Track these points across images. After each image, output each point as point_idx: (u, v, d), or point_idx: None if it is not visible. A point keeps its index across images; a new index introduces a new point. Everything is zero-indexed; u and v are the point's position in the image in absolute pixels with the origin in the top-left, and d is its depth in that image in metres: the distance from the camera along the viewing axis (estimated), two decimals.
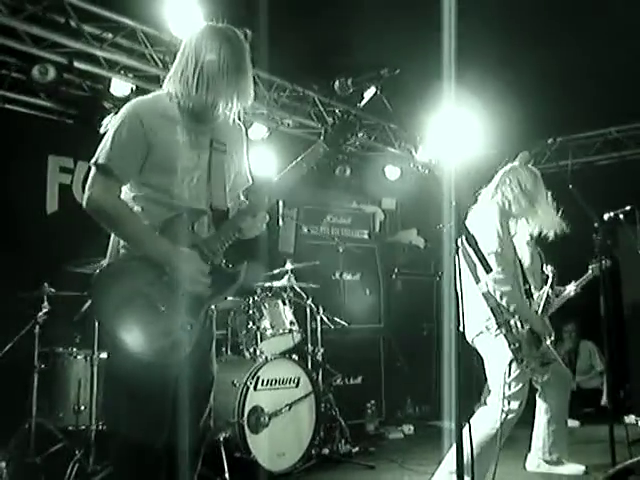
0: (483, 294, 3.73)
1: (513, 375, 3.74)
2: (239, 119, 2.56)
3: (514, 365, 3.72)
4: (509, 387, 3.73)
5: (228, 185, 2.61)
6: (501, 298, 3.72)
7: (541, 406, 4.36)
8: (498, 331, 3.72)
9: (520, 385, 3.76)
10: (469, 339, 3.95)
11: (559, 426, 4.35)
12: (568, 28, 5.44)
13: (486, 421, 3.77)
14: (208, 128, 2.54)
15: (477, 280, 3.76)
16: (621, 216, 4.61)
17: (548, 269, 4.26)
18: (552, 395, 4.27)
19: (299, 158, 2.59)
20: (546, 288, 4.24)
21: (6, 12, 4.76)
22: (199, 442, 2.59)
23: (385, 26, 5.47)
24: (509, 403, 3.73)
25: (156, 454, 2.36)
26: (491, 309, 3.71)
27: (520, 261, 4.06)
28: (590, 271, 6.20)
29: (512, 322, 3.74)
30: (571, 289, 6.20)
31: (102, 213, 2.38)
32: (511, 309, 3.73)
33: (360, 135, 2.62)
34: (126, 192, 2.46)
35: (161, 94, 2.55)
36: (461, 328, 3.99)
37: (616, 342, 4.14)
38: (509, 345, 3.69)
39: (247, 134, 2.75)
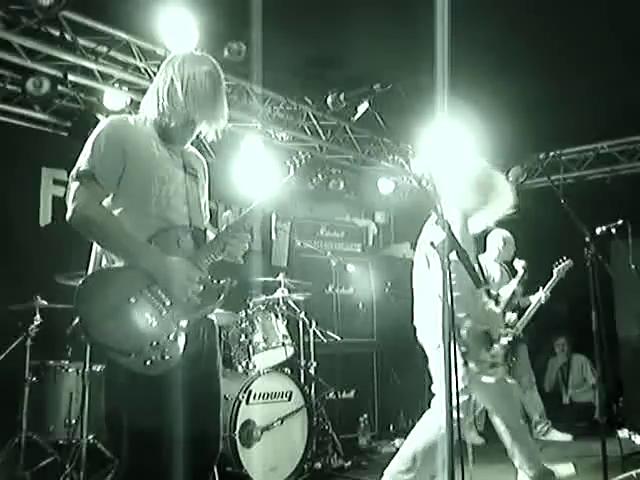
0: (438, 295, 3.56)
1: (460, 386, 3.57)
2: (217, 135, 2.61)
3: (461, 372, 3.64)
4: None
5: (202, 207, 2.67)
6: (456, 302, 3.64)
7: (496, 424, 4.12)
8: None
9: (466, 396, 3.76)
10: (427, 352, 3.95)
11: (522, 438, 4.07)
12: (561, 43, 5.48)
13: (430, 426, 3.80)
14: (179, 151, 2.61)
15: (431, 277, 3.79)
16: (613, 230, 4.64)
17: (519, 263, 4.25)
18: (500, 409, 4.02)
19: (274, 188, 2.67)
20: (514, 281, 4.22)
21: (1, 25, 4.77)
22: (210, 460, 2.57)
23: (378, 40, 5.51)
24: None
25: (160, 470, 2.34)
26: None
27: (478, 258, 4.05)
28: (555, 274, 6.27)
29: (463, 327, 3.68)
30: (540, 295, 6.28)
31: (89, 224, 2.37)
32: (461, 314, 3.67)
33: (321, 177, 2.75)
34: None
35: (136, 117, 2.61)
36: (420, 339, 3.98)
37: (609, 356, 4.13)
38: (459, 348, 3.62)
39: (208, 170, 2.81)
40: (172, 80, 2.51)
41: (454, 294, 3.61)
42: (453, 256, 4.03)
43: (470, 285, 3.72)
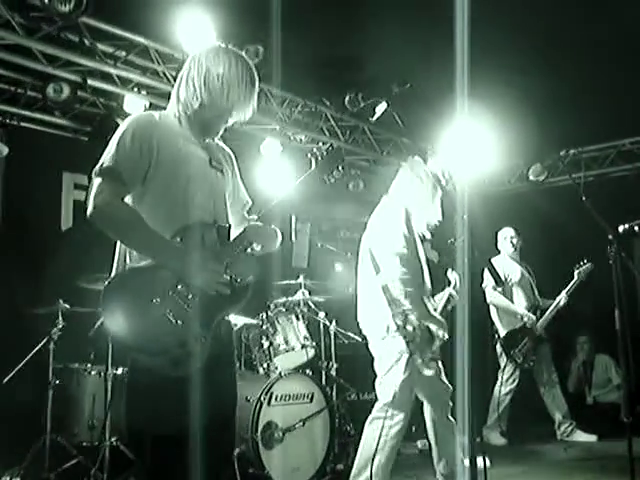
0: (382, 287, 3.82)
1: (403, 377, 3.81)
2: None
3: (403, 365, 3.80)
4: (399, 390, 3.80)
5: (228, 204, 2.65)
6: (405, 297, 3.78)
7: (426, 417, 4.17)
8: (396, 332, 3.80)
9: (407, 393, 3.84)
10: (371, 344, 4.03)
11: (444, 434, 4.06)
12: (581, 40, 5.44)
13: (377, 426, 3.85)
14: (206, 146, 2.59)
15: (377, 271, 3.89)
16: (636, 228, 4.58)
17: (452, 274, 4.36)
18: (433, 401, 4.06)
19: (296, 182, 2.66)
20: (448, 290, 4.30)
21: (22, 32, 4.83)
22: (222, 461, 2.57)
23: (396, 40, 5.49)
24: (394, 409, 3.82)
25: (180, 471, 2.33)
26: (388, 302, 3.80)
27: (421, 260, 4.03)
28: (576, 276, 6.26)
29: (409, 316, 3.79)
30: (562, 297, 6.29)
31: (110, 220, 2.35)
32: (408, 306, 3.78)
33: (342, 170, 2.81)
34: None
35: (163, 112, 2.60)
36: (364, 332, 4.05)
37: (633, 355, 4.08)
38: (404, 338, 3.77)
39: (236, 158, 2.79)
40: (209, 70, 2.49)
41: (410, 289, 3.77)
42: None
43: (419, 282, 3.90)
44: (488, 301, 6.45)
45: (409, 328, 3.77)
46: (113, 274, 2.46)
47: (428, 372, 3.85)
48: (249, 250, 2.53)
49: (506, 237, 6.67)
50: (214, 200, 2.53)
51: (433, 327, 3.86)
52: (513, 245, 6.62)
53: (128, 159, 2.38)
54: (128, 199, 2.43)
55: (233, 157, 2.78)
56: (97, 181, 2.37)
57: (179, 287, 2.34)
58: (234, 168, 2.76)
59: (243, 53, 2.59)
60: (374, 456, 3.74)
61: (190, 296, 2.35)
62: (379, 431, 3.80)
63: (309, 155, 2.68)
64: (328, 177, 2.70)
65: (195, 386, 2.34)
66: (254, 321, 5.08)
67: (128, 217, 2.38)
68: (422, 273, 4.00)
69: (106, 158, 2.39)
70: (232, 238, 2.55)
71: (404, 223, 3.95)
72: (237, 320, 4.95)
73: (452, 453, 4.00)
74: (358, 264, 4.17)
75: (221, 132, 2.63)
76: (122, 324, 2.27)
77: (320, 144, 2.49)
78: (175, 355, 2.29)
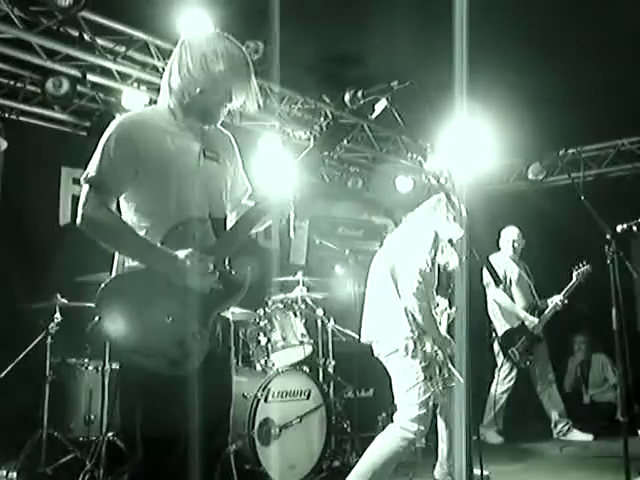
0: (405, 309, 3.88)
1: (422, 398, 3.81)
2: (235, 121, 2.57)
3: (422, 386, 3.82)
4: (418, 408, 3.80)
5: (225, 193, 2.61)
6: (419, 311, 3.86)
7: (441, 422, 4.29)
8: (414, 352, 3.84)
9: (424, 410, 3.82)
10: (382, 357, 4.03)
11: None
12: (581, 40, 5.44)
13: (392, 440, 3.85)
14: (202, 135, 2.55)
15: (399, 295, 3.94)
16: (634, 228, 4.58)
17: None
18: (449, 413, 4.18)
19: (296, 162, 2.57)
20: (449, 310, 4.36)
21: (21, 26, 4.82)
22: (212, 457, 2.56)
23: (396, 37, 5.49)
24: (416, 424, 3.79)
25: (175, 469, 2.33)
26: (409, 323, 3.87)
27: (434, 281, 4.12)
28: (575, 278, 6.28)
29: (426, 342, 3.88)
30: (559, 298, 6.31)
31: (98, 228, 2.36)
32: (423, 324, 3.87)
33: (346, 142, 2.67)
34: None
35: (154, 107, 2.59)
36: (372, 343, 4.06)
37: (630, 355, 4.09)
38: (420, 363, 3.82)
39: (237, 143, 2.74)
40: (206, 54, 2.44)
41: (423, 303, 3.86)
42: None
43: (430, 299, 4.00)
44: (492, 299, 6.45)
45: (426, 350, 3.86)
46: (112, 275, 2.46)
47: (443, 399, 3.95)
48: (249, 234, 2.51)
49: (509, 239, 6.66)
50: (209, 194, 2.51)
51: (441, 347, 3.93)
52: (514, 248, 6.62)
53: (112, 167, 2.37)
54: (122, 202, 2.44)
55: (233, 141, 2.72)
56: (84, 190, 2.39)
57: (174, 287, 2.33)
58: (234, 154, 2.71)
59: (233, 39, 2.54)
60: (384, 465, 3.80)
61: (186, 294, 2.34)
62: (399, 443, 3.82)
63: (308, 133, 2.61)
64: (330, 154, 2.56)
65: (191, 383, 2.33)
66: (250, 312, 5.07)
67: (115, 226, 2.38)
68: (432, 293, 4.11)
69: (92, 167, 2.39)
70: (229, 227, 2.54)
71: (432, 247, 4.03)
72: (235, 315, 4.95)
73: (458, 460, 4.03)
74: (371, 279, 4.21)
75: (221, 119, 2.57)
76: (119, 327, 2.27)
77: (321, 119, 2.40)
78: (173, 355, 2.28)
